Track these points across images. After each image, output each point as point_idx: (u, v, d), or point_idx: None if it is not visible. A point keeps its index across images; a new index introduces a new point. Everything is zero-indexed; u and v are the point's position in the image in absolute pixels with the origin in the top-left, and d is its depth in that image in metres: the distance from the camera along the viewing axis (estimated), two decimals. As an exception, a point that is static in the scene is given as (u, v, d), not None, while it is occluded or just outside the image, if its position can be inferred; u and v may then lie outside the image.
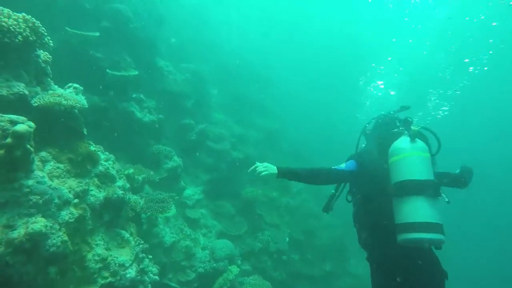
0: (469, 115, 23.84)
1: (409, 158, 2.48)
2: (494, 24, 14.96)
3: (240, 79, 14.59)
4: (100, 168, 3.85)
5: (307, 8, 31.72)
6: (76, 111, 3.77)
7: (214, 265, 7.54)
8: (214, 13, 18.82)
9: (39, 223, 2.51)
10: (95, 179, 3.72)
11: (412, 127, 2.65)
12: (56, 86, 4.08)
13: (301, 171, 2.86)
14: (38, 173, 2.89)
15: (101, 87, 7.42)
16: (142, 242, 4.28)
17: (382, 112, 3.31)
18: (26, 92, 3.26)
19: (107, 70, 7.31)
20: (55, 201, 2.90)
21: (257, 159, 10.20)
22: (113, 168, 4.12)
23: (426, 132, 2.76)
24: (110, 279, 3.47)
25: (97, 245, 3.53)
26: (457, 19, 15.50)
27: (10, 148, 2.52)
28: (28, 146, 2.69)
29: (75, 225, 3.16)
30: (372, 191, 2.71)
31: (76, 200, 3.23)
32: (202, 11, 16.20)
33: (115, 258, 3.63)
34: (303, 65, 30.00)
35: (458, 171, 2.68)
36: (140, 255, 4.11)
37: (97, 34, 7.28)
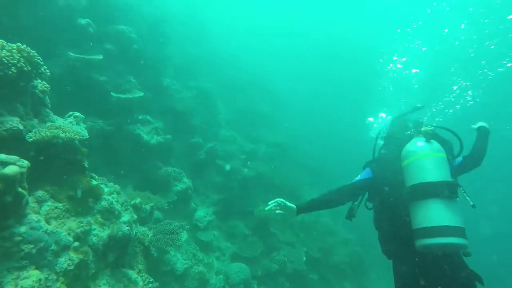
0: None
1: (421, 160, 2.39)
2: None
3: (247, 93, 14.37)
4: (103, 203, 3.56)
5: (308, 16, 31.76)
6: (77, 142, 3.51)
7: (229, 291, 7.15)
8: (218, 29, 18.86)
9: (31, 278, 2.22)
10: (98, 216, 3.43)
11: (424, 128, 2.56)
12: (55, 117, 3.85)
13: (320, 200, 2.76)
14: (32, 217, 2.60)
15: (106, 111, 7.27)
16: (152, 280, 3.96)
17: (395, 115, 3.21)
18: (21, 127, 3.02)
19: (112, 93, 7.13)
20: (52, 247, 2.61)
21: (269, 176, 9.73)
22: (117, 202, 3.82)
23: (443, 131, 2.70)
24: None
25: (101, 289, 3.22)
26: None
27: (-1, 194, 2.25)
28: (20, 190, 2.41)
29: (76, 272, 2.86)
30: (388, 197, 2.60)
31: (76, 243, 2.94)
32: (206, 28, 16.18)
33: (122, 302, 3.31)
34: (308, 72, 29.75)
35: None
36: (150, 295, 3.78)
37: (101, 57, 7.14)
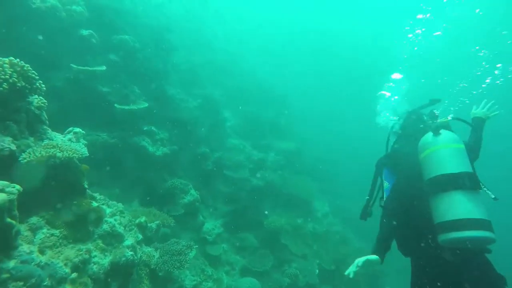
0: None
1: (439, 152, 2.31)
2: None
3: (254, 100, 14.10)
4: (105, 227, 3.29)
5: (316, 20, 31.57)
6: (76, 161, 3.26)
7: (240, 310, 6.81)
8: (222, 35, 18.72)
9: (20, 323, 1.94)
10: (99, 242, 3.16)
11: (440, 120, 2.50)
12: (54, 133, 3.61)
13: (384, 237, 2.51)
14: (24, 248, 2.34)
15: (110, 123, 7.07)
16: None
17: (409, 109, 3.13)
18: (13, 148, 2.78)
19: (115, 105, 6.92)
20: (45, 283, 2.33)
21: (278, 185, 9.32)
22: (120, 224, 3.55)
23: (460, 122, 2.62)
24: None
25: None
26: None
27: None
28: (8, 220, 2.15)
29: (73, 307, 2.58)
30: (407, 192, 2.52)
31: (74, 275, 2.66)
32: (211, 34, 16.03)
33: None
34: (314, 74, 29.42)
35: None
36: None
37: (104, 68, 6.95)
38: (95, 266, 2.97)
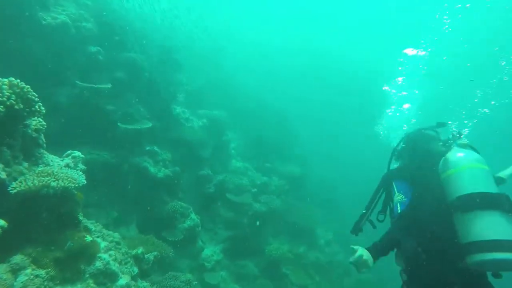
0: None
1: (473, 170, 2.23)
2: None
3: (258, 121, 13.95)
4: (98, 264, 3.00)
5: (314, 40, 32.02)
6: (73, 190, 3.01)
7: None
8: (229, 56, 18.81)
9: None
10: (90, 282, 2.85)
11: (460, 141, 2.47)
12: (52, 157, 3.38)
13: (389, 241, 2.45)
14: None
15: (112, 142, 6.86)
16: None
17: (413, 129, 3.06)
18: (3, 176, 2.54)
19: (119, 124, 6.73)
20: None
21: (281, 211, 8.97)
22: (115, 260, 3.26)
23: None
24: None
25: None
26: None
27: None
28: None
29: None
30: (427, 208, 2.39)
31: (58, 323, 2.37)
32: (218, 55, 16.09)
33: None
34: (317, 94, 29.39)
35: None
36: None
37: (109, 85, 6.81)
38: (83, 311, 2.67)
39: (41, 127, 3.14)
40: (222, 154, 10.48)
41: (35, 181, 2.63)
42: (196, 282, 6.32)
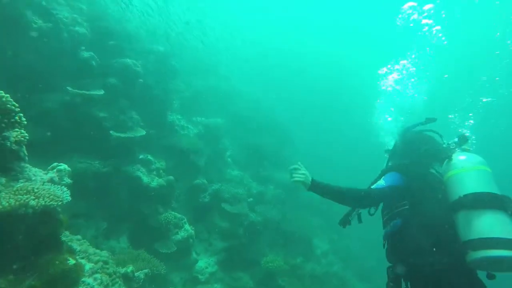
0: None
1: (479, 171, 2.30)
2: None
3: (254, 128, 13.75)
4: (81, 289, 2.77)
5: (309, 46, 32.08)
6: (57, 208, 2.78)
7: None
8: (226, 62, 18.67)
9: None
10: (71, 310, 2.63)
11: (465, 146, 2.54)
12: (35, 170, 3.14)
13: (336, 189, 2.61)
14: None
15: (104, 151, 6.62)
16: None
17: (406, 127, 3.10)
18: (-24, 194, 2.32)
19: (111, 132, 6.50)
20: None
21: (278, 221, 8.79)
22: (100, 285, 3.01)
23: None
24: None
25: None
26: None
27: None
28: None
29: None
30: (427, 205, 2.45)
31: None
32: (214, 62, 15.93)
33: None
34: (314, 101, 29.32)
35: None
36: None
37: (102, 92, 6.59)
38: None
39: (22, 139, 2.91)
40: (218, 162, 10.26)
41: (11, 200, 2.40)
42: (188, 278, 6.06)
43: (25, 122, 2.79)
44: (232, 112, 13.60)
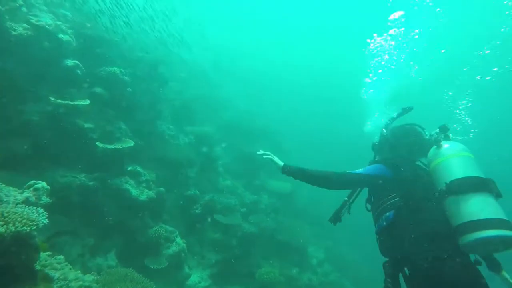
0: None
1: (466, 157, 2.37)
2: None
3: (246, 137, 13.53)
4: (58, 324, 2.49)
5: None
6: (32, 233, 2.51)
7: None
8: (217, 70, 18.51)
9: None
10: None
11: (447, 135, 2.58)
12: (6, 191, 2.87)
13: (310, 170, 2.78)
14: None
15: (90, 163, 6.32)
16: None
17: (387, 121, 3.15)
18: None
19: (97, 143, 6.21)
20: None
21: (272, 231, 8.68)
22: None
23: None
24: None
25: None
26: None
27: None
28: None
29: None
30: (417, 195, 2.47)
31: None
32: (206, 69, 15.75)
33: None
34: (307, 108, 29.30)
35: None
36: None
37: (87, 102, 6.31)
38: None
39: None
40: (210, 172, 10.00)
41: (-24, 227, 2.14)
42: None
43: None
44: (223, 120, 13.40)
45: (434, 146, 2.53)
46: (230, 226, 8.82)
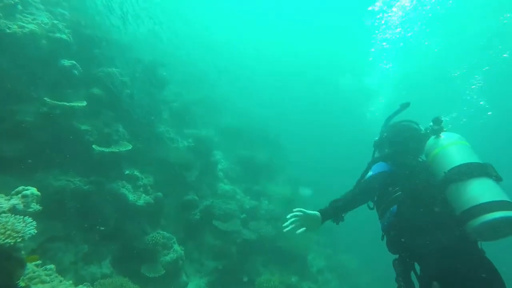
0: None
1: (462, 145, 2.41)
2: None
3: (247, 141, 13.33)
4: None
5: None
6: (17, 245, 2.29)
7: None
8: (217, 73, 18.33)
9: None
10: None
11: (441, 127, 2.60)
12: (-5, 197, 2.66)
13: (344, 201, 2.60)
14: None
15: (86, 167, 6.10)
16: None
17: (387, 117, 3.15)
18: None
19: (93, 146, 6.00)
20: None
21: (272, 237, 8.48)
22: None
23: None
24: None
25: None
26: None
27: None
28: None
29: None
30: (418, 187, 2.45)
31: None
32: (206, 71, 15.58)
33: None
34: (309, 111, 29.14)
35: None
36: None
37: (84, 103, 6.10)
38: None
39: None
40: (209, 176, 9.77)
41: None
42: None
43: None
44: (223, 123, 13.19)
45: (431, 138, 2.58)
46: (229, 233, 8.59)
